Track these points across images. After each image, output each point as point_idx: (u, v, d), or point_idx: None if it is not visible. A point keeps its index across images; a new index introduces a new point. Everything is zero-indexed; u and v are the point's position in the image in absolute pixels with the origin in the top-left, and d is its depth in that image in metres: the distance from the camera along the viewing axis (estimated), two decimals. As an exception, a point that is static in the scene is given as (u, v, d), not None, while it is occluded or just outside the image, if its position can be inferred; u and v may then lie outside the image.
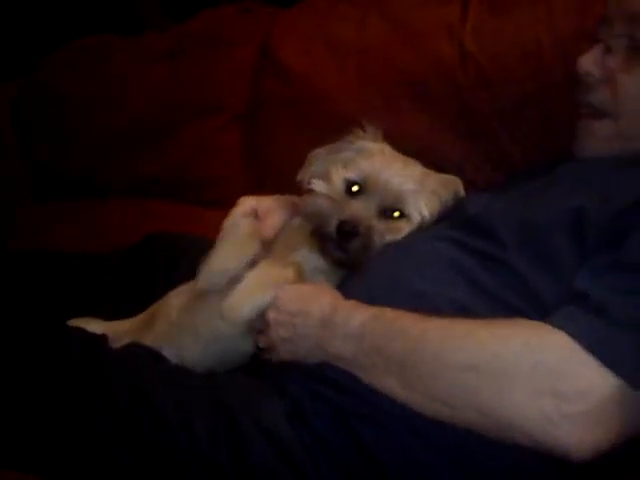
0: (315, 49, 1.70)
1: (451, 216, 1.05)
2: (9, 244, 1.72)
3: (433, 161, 1.14)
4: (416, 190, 1.05)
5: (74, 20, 2.12)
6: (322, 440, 0.89)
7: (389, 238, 1.04)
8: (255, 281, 1.00)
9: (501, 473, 0.85)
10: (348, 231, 1.01)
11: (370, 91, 1.60)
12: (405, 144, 1.13)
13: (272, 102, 1.75)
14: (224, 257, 1.05)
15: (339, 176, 1.06)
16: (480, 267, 0.92)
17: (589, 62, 1.07)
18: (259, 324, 0.99)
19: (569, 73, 1.37)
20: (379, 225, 1.03)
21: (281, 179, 1.14)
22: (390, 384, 0.86)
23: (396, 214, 1.05)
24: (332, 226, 1.02)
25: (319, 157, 1.12)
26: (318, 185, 1.07)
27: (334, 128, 1.12)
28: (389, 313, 0.89)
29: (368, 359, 0.88)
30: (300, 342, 0.94)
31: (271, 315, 0.97)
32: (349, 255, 1.02)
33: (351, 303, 0.94)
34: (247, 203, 1.12)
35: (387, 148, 1.11)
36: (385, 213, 1.05)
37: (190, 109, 1.83)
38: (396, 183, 1.04)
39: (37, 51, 1.99)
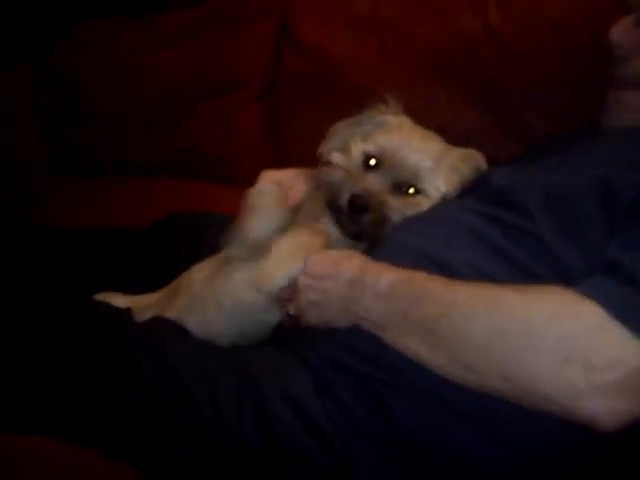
0: (334, 24, 1.69)
1: (476, 189, 1.04)
2: (26, 219, 1.73)
3: (455, 135, 1.13)
4: (433, 167, 1.04)
5: (93, 2, 2.12)
6: (349, 412, 0.89)
7: (405, 213, 1.03)
8: (287, 249, 1.00)
9: (531, 444, 0.85)
10: (359, 205, 1.00)
11: (391, 66, 1.60)
12: (426, 119, 1.12)
13: (291, 78, 1.75)
14: (253, 226, 1.06)
15: (357, 149, 1.05)
16: (506, 238, 0.91)
17: (620, 33, 1.05)
18: (288, 291, 0.98)
19: (597, 46, 1.37)
20: (393, 201, 1.02)
21: (301, 155, 1.14)
22: (415, 346, 0.86)
23: (411, 190, 1.04)
24: (344, 199, 1.01)
25: (340, 130, 1.12)
26: (336, 157, 1.06)
27: (354, 103, 1.11)
28: (419, 275, 0.89)
29: (395, 320, 0.88)
30: (329, 305, 0.94)
31: (301, 280, 0.96)
32: (362, 229, 1.02)
33: (381, 265, 0.93)
34: (270, 176, 1.12)
35: (407, 122, 1.10)
36: (400, 189, 1.04)
37: (209, 87, 1.82)
38: (413, 159, 1.03)
39: (54, 32, 1.99)
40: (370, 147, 1.05)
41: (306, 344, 0.97)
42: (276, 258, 0.99)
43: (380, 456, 0.87)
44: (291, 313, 1.00)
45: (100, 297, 1.14)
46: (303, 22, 1.74)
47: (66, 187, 1.87)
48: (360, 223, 1.01)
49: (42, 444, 0.90)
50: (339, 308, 0.93)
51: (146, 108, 1.84)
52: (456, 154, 1.08)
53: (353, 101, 1.08)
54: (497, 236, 0.92)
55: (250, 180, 1.13)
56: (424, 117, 1.10)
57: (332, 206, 1.03)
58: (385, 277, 0.90)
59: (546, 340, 0.78)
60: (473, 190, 1.04)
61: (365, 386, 0.89)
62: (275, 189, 1.10)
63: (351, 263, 0.94)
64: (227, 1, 1.91)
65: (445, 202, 1.05)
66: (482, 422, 0.85)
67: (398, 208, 1.02)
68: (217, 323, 1.06)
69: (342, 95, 1.61)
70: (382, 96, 1.12)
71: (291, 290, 0.98)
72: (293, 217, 1.08)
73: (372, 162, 1.04)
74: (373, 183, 1.02)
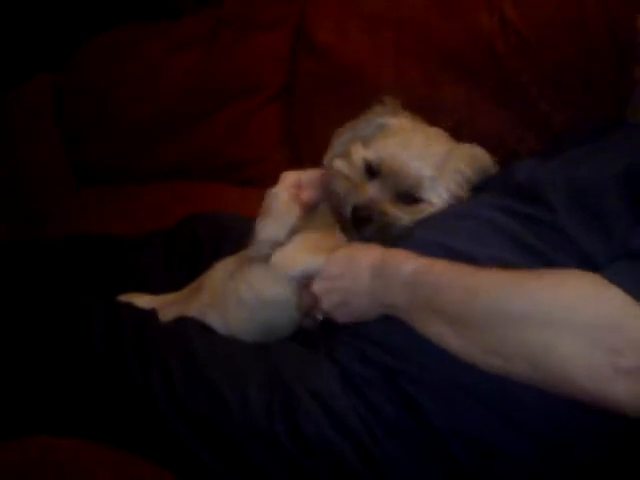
0: (350, 25, 1.69)
1: (499, 183, 1.03)
2: (50, 228, 1.74)
3: (475, 132, 1.13)
4: (434, 174, 1.01)
5: (108, 9, 2.15)
6: (377, 408, 0.88)
7: (409, 222, 1.01)
8: (307, 243, 1.01)
9: (562, 435, 0.84)
10: (362, 217, 1.00)
11: (407, 65, 1.59)
12: (444, 117, 1.11)
13: (308, 81, 1.75)
14: (269, 227, 1.06)
15: (358, 156, 1.04)
16: (530, 232, 0.91)
17: None
18: (308, 298, 0.99)
19: (616, 38, 1.35)
20: (395, 210, 1.01)
21: (319, 156, 1.13)
22: (444, 335, 0.85)
23: (414, 198, 1.02)
24: (347, 211, 1.01)
25: (341, 136, 1.11)
26: (338, 165, 1.05)
27: (372, 104, 1.11)
28: (441, 263, 0.88)
29: (421, 307, 0.87)
30: (356, 301, 0.94)
31: (316, 287, 0.97)
32: (367, 239, 1.01)
33: (400, 252, 0.93)
34: (290, 176, 1.11)
35: (407, 122, 1.07)
36: (403, 197, 1.02)
37: (226, 92, 1.83)
38: (413, 168, 1.00)
39: (74, 40, 2.01)
40: (370, 154, 1.03)
41: (332, 340, 0.97)
42: (297, 247, 1.00)
43: (410, 452, 0.87)
44: (319, 317, 1.00)
45: (124, 298, 1.14)
46: (318, 24, 1.75)
47: (90, 197, 1.89)
48: (364, 233, 1.01)
49: (79, 446, 0.91)
50: (367, 302, 0.93)
51: (166, 114, 1.86)
52: (461, 155, 1.05)
53: (371, 101, 1.08)
54: (520, 230, 0.91)
55: (270, 182, 1.12)
56: (442, 116, 1.10)
57: (338, 215, 1.03)
58: (406, 265, 0.89)
59: (571, 325, 0.77)
60: (496, 184, 1.03)
61: (394, 381, 0.89)
62: (291, 191, 1.09)
63: (367, 254, 0.94)
64: (243, 5, 1.92)
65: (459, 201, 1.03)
66: (513, 415, 0.84)
67: (401, 218, 1.01)
68: (239, 320, 1.06)
69: (359, 95, 1.53)
70: (378, 98, 1.10)
71: (311, 296, 0.98)
72: (308, 221, 1.08)
73: (373, 169, 1.03)
74: (374, 193, 1.01)
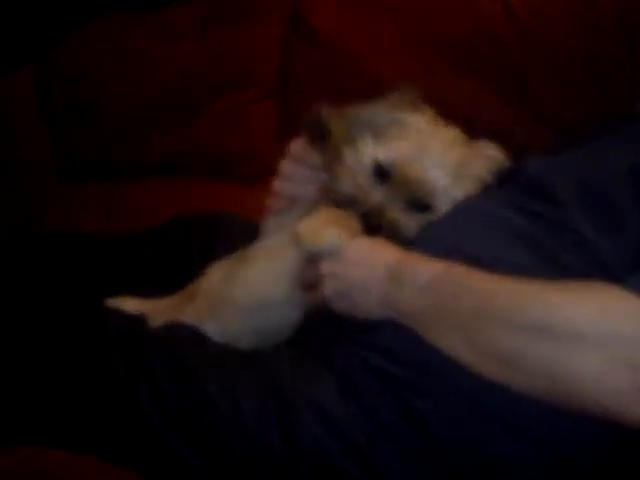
0: (348, 12, 1.67)
1: (509, 180, 1.01)
2: (35, 225, 1.73)
3: (481, 125, 1.10)
4: (451, 183, 0.98)
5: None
6: (375, 415, 0.87)
7: (418, 228, 0.99)
8: (332, 217, 0.96)
9: (565, 444, 0.84)
10: (371, 225, 0.97)
11: (408, 55, 1.57)
12: (450, 110, 1.07)
13: (306, 70, 1.73)
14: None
15: (368, 154, 0.99)
16: (541, 230, 0.89)
17: None
18: (311, 275, 0.95)
19: (627, 26, 1.33)
20: (405, 219, 0.98)
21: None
22: (456, 344, 0.84)
23: (427, 204, 0.99)
24: (355, 214, 0.97)
25: (349, 119, 1.04)
26: (348, 158, 1.00)
27: (371, 95, 1.07)
28: (459, 269, 0.87)
29: (436, 315, 0.86)
30: (358, 295, 0.91)
31: (325, 266, 0.93)
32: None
33: (417, 256, 0.91)
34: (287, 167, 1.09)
35: (425, 123, 1.02)
36: (413, 204, 0.99)
37: (221, 82, 1.80)
38: (428, 177, 0.97)
39: (59, 30, 1.97)
40: (381, 154, 0.98)
41: (327, 345, 0.95)
42: (321, 220, 0.95)
43: (408, 459, 0.86)
44: (311, 303, 0.97)
45: (112, 302, 1.12)
46: (316, 11, 1.72)
47: (77, 192, 1.86)
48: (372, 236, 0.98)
49: (62, 457, 0.90)
50: (375, 301, 0.90)
51: (155, 107, 1.83)
52: (478, 159, 1.01)
53: (371, 91, 1.03)
54: (531, 228, 0.90)
55: (264, 180, 1.12)
56: (447, 108, 1.06)
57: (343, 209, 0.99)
58: (423, 270, 0.87)
59: (591, 339, 0.76)
60: (507, 180, 1.00)
61: (392, 387, 0.88)
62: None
63: (387, 252, 0.92)
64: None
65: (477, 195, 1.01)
66: (514, 422, 0.83)
67: (411, 227, 0.98)
68: (235, 321, 1.04)
69: (359, 86, 1.56)
70: (397, 87, 1.05)
71: (314, 275, 0.94)
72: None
73: (383, 172, 0.98)
74: (384, 200, 0.97)
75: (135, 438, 0.91)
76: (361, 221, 0.97)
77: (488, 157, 1.03)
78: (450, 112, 1.06)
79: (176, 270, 1.25)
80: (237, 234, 1.11)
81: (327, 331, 0.97)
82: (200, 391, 0.90)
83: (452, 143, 1.01)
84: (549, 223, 0.89)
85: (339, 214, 0.98)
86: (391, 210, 0.97)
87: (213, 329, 1.03)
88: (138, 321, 1.03)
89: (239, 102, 1.79)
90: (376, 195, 0.98)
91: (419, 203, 0.99)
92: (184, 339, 0.99)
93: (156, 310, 1.10)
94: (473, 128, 1.07)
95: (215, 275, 1.10)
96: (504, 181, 1.01)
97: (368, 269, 0.91)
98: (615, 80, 1.34)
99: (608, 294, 0.79)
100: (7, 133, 1.86)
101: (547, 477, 0.85)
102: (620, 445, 0.82)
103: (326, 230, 0.94)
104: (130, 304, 1.13)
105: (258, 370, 0.93)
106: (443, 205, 0.99)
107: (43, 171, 1.92)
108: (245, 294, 1.04)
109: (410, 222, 0.98)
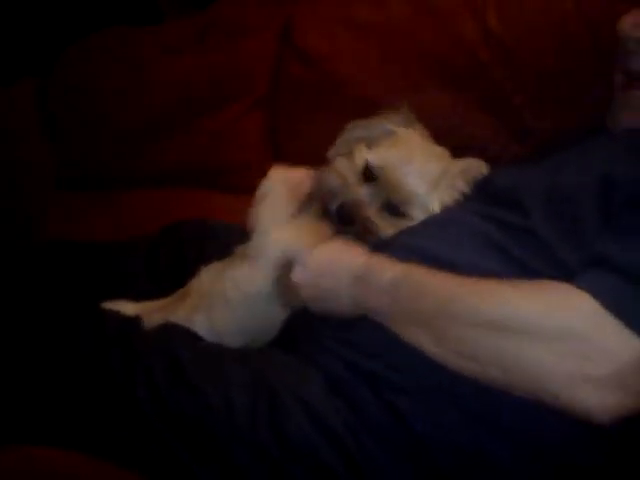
0: (337, 32, 1.69)
1: (480, 191, 1.04)
2: (35, 234, 1.73)
3: (459, 140, 1.13)
4: (428, 191, 1.03)
5: (93, 14, 2.13)
6: (360, 412, 0.89)
7: (389, 233, 1.02)
8: (292, 229, 1.03)
9: (545, 440, 0.86)
10: (346, 216, 1.01)
11: (393, 72, 1.60)
12: (430, 124, 1.12)
13: (294, 86, 1.75)
14: (268, 213, 1.07)
15: (360, 156, 1.05)
16: (509, 238, 0.92)
17: (629, 24, 1.04)
18: (285, 284, 0.99)
19: (597, 45, 1.37)
20: (379, 219, 1.02)
21: (304, 164, 1.14)
22: (423, 340, 0.87)
23: (402, 211, 1.04)
24: (333, 207, 1.02)
25: (347, 134, 1.11)
26: (339, 162, 1.06)
27: (358, 111, 1.12)
28: (418, 270, 0.90)
29: (400, 314, 0.89)
30: (331, 301, 0.95)
31: (296, 276, 0.97)
32: (349, 237, 1.02)
33: (383, 259, 0.94)
34: (280, 173, 1.12)
35: (416, 137, 1.09)
36: (390, 208, 1.03)
37: (212, 96, 1.82)
38: (409, 184, 1.02)
39: (57, 45, 1.98)
40: (372, 157, 1.04)
41: (315, 344, 0.97)
42: (279, 231, 1.02)
43: (393, 456, 0.88)
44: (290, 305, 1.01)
45: (108, 305, 1.13)
46: (305, 30, 1.74)
47: (74, 202, 1.86)
48: (344, 232, 1.02)
49: (56, 456, 0.90)
50: (347, 304, 0.94)
51: (151, 119, 1.84)
52: (458, 170, 1.06)
53: (357, 108, 1.08)
54: (499, 236, 0.93)
55: (254, 189, 1.13)
56: (428, 123, 1.11)
57: (323, 209, 1.04)
58: (387, 271, 0.91)
59: (541, 332, 0.79)
60: (478, 191, 1.04)
61: (376, 385, 0.90)
62: (282, 183, 1.10)
63: (351, 259, 0.95)
64: (228, 9, 1.91)
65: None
66: (496, 420, 0.86)
67: (383, 228, 1.02)
68: (224, 319, 1.06)
69: (344, 102, 1.61)
70: (394, 104, 1.11)
71: (290, 282, 0.98)
72: (296, 216, 1.09)
73: (370, 174, 1.03)
74: (364, 196, 1.02)
75: (132, 438, 0.92)
76: (339, 213, 1.00)
77: (466, 169, 1.06)
78: (430, 125, 1.12)
79: (170, 276, 1.26)
80: (230, 241, 1.13)
81: (312, 330, 0.99)
82: (193, 389, 0.91)
83: (436, 157, 1.07)
84: (516, 231, 0.92)
85: (302, 225, 1.03)
86: (368, 208, 1.01)
87: (203, 325, 1.05)
88: (134, 323, 1.04)
89: (230, 116, 1.80)
90: (360, 191, 1.02)
91: (395, 208, 1.03)
92: (178, 339, 1.00)
93: (150, 312, 1.11)
94: (452, 141, 1.12)
95: (206, 275, 1.12)
96: (475, 191, 1.05)
97: (333, 279, 0.95)
98: (587, 96, 1.36)
99: (556, 290, 0.82)
100: (7, 144, 1.87)
101: (524, 473, 0.87)
102: (600, 442, 0.84)
103: (279, 239, 1.00)
104: (125, 307, 1.13)
105: (249, 369, 0.95)
106: (418, 214, 1.03)
107: (42, 181, 1.92)
108: (234, 289, 1.05)
109: (382, 223, 1.02)
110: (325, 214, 1.04)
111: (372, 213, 1.02)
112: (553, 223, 0.90)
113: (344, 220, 1.01)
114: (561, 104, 1.43)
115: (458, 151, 1.11)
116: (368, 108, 1.13)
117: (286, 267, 1.00)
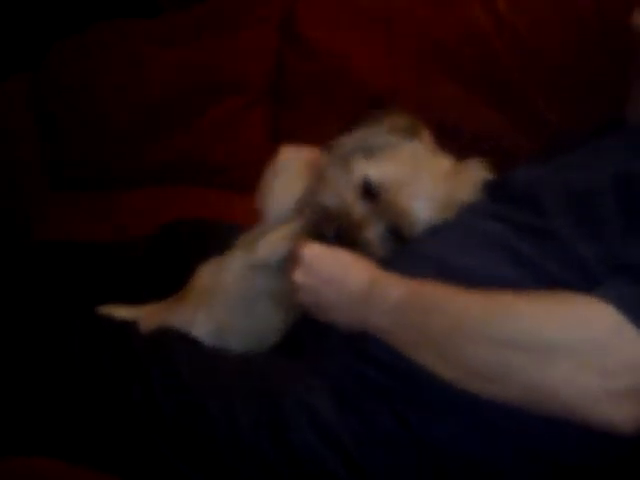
0: (340, 21, 1.67)
1: (494, 190, 1.01)
2: (31, 234, 1.73)
3: (469, 133, 1.10)
4: (435, 217, 0.97)
5: (86, 7, 2.12)
6: (368, 423, 0.87)
7: (388, 254, 0.98)
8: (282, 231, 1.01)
9: (557, 451, 0.84)
10: (346, 239, 0.95)
11: (400, 63, 1.58)
12: (439, 118, 1.09)
13: (297, 79, 1.73)
14: (276, 193, 1.06)
15: (359, 170, 0.98)
16: (525, 240, 0.90)
17: None
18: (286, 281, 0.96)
19: (613, 36, 1.35)
20: (380, 243, 0.97)
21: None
22: (431, 360, 0.85)
23: (405, 235, 0.98)
24: (331, 228, 0.96)
25: (343, 143, 1.04)
26: (334, 175, 0.99)
27: (363, 104, 1.08)
28: (427, 287, 0.88)
29: (408, 334, 0.87)
30: (332, 313, 0.93)
31: (297, 276, 0.94)
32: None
33: (389, 275, 0.91)
34: (291, 151, 1.10)
35: (421, 150, 1.01)
36: (393, 231, 0.98)
37: (210, 92, 1.80)
38: (414, 209, 0.96)
39: (50, 39, 1.96)
40: (372, 172, 0.97)
41: (320, 352, 0.96)
42: (276, 233, 1.00)
43: (400, 467, 0.86)
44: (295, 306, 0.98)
45: (103, 310, 1.12)
46: (307, 20, 1.72)
47: (69, 201, 1.85)
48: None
49: (49, 466, 0.89)
50: (348, 318, 0.92)
51: (147, 116, 1.83)
52: (465, 184, 1.00)
53: (362, 100, 1.04)
54: (516, 240, 0.91)
55: (255, 185, 1.11)
56: (437, 117, 1.08)
57: (316, 230, 0.97)
58: (392, 291, 0.88)
59: (562, 347, 0.78)
60: (493, 191, 1.01)
61: (383, 396, 0.88)
62: (299, 158, 1.08)
63: (359, 272, 0.92)
64: (227, 1, 1.89)
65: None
66: (506, 430, 0.84)
67: (383, 250, 0.97)
68: (225, 317, 1.04)
69: (349, 95, 1.59)
70: (395, 106, 1.06)
71: (290, 281, 0.95)
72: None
73: (370, 191, 0.97)
74: (366, 218, 0.96)
75: (128, 444, 0.91)
76: (337, 236, 0.95)
77: (474, 182, 1.01)
78: (440, 119, 1.08)
79: (170, 277, 1.24)
80: (230, 240, 1.11)
81: (321, 338, 0.96)
82: (193, 398, 0.90)
83: (444, 175, 1.00)
84: (534, 232, 0.90)
85: (297, 228, 1.00)
86: (369, 230, 0.96)
87: (203, 322, 1.04)
88: (130, 328, 1.02)
89: (229, 111, 1.79)
90: (359, 211, 0.96)
91: (399, 232, 0.97)
92: (176, 346, 0.99)
93: (148, 314, 1.11)
94: (462, 135, 1.09)
95: (205, 272, 1.10)
96: (493, 193, 1.00)
97: (338, 290, 0.91)
98: (603, 88, 1.35)
99: (576, 302, 0.81)
100: (0, 142, 1.85)
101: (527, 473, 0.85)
102: (603, 447, 0.83)
103: (276, 242, 0.98)
104: (122, 311, 1.13)
105: (251, 377, 0.93)
106: None
107: (38, 180, 1.91)
108: (232, 283, 1.04)
109: (385, 246, 0.97)
110: (318, 235, 0.97)
111: (373, 236, 0.97)
112: (573, 222, 0.88)
113: (344, 242, 0.96)
114: (575, 95, 1.42)
115: (469, 145, 1.07)
116: (375, 103, 1.09)
117: (289, 264, 0.97)
